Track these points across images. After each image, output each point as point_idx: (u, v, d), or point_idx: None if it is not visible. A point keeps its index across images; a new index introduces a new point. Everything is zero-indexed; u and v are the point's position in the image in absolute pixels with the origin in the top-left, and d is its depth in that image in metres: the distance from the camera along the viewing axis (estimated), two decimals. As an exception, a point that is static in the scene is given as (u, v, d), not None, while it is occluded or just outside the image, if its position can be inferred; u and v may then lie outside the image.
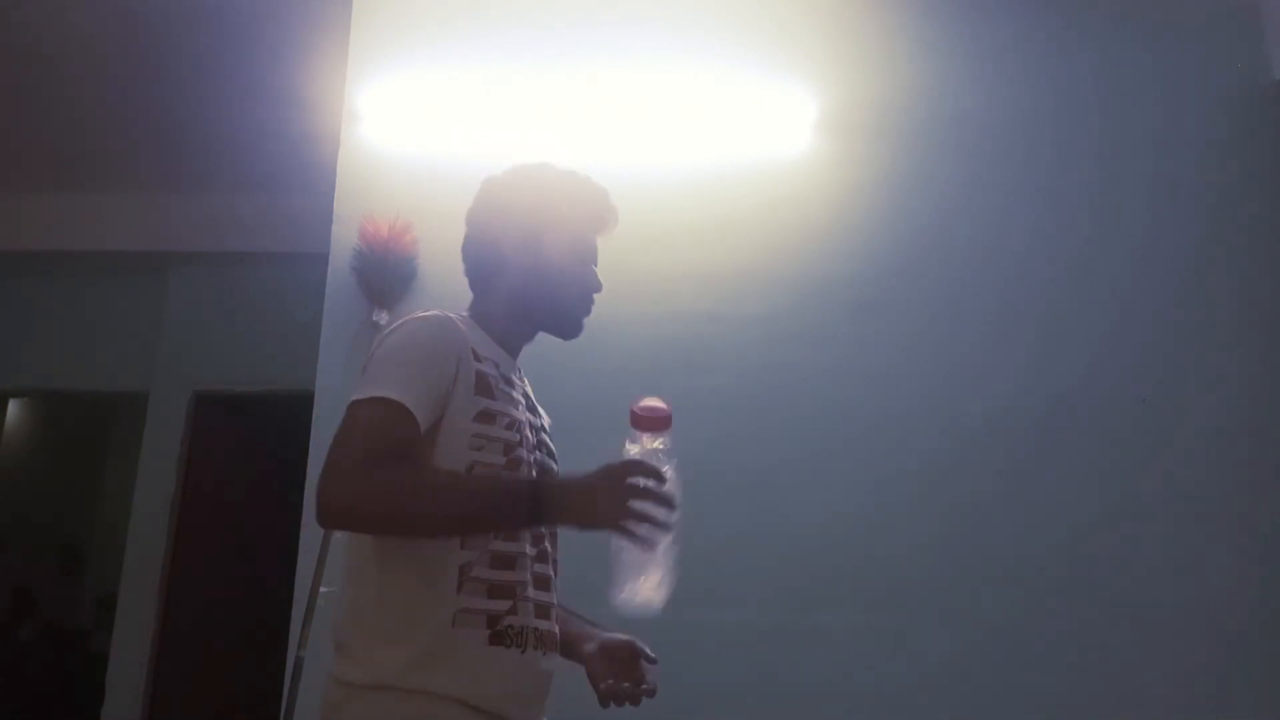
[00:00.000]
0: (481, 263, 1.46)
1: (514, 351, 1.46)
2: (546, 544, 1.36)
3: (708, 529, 2.38)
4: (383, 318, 2.47)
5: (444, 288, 2.31)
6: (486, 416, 1.29)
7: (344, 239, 2.58)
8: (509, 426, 1.32)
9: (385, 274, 2.51)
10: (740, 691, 2.28)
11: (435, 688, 1.18)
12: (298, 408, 2.59)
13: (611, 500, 1.18)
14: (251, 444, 4.31)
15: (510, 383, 1.38)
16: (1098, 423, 2.41)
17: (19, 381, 4.77)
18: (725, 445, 2.43)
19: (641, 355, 2.48)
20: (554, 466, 1.46)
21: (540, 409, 1.51)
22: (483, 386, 1.30)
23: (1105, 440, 2.40)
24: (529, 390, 1.48)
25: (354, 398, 1.22)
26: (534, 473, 1.35)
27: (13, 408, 6.03)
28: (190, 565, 3.99)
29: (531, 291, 1.44)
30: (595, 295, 1.51)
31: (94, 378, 4.50)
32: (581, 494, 1.20)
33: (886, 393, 2.46)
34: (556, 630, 1.36)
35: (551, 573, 1.37)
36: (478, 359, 1.32)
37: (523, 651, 1.26)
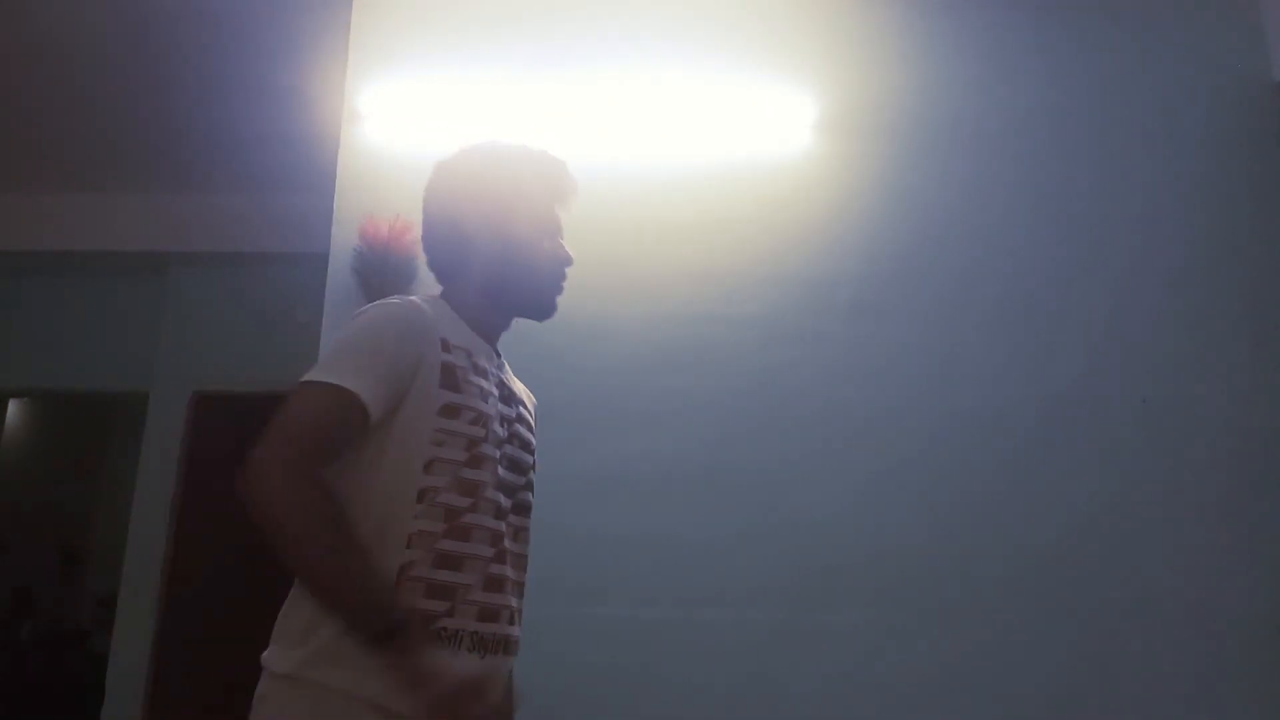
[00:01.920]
0: (446, 251, 1.42)
1: (491, 337, 1.42)
2: (507, 542, 1.31)
3: (707, 529, 2.38)
4: (383, 318, 2.47)
5: (444, 288, 2.31)
6: (450, 411, 1.25)
7: (344, 239, 2.58)
8: (474, 421, 1.27)
9: (385, 274, 2.51)
10: (740, 691, 2.28)
11: (342, 684, 1.14)
12: (298, 408, 2.59)
13: (440, 707, 1.10)
14: (251, 444, 4.30)
15: (482, 372, 1.33)
16: (1097, 422, 2.41)
17: (19, 381, 4.77)
18: (724, 445, 2.43)
19: (641, 355, 2.48)
20: (527, 459, 1.42)
21: (521, 394, 1.47)
22: (448, 379, 1.26)
23: (1105, 440, 2.40)
24: (507, 378, 1.43)
25: (307, 377, 1.19)
26: (499, 470, 1.30)
27: (13, 408, 6.03)
28: (190, 565, 3.99)
29: (503, 275, 1.39)
30: (568, 270, 1.45)
31: (94, 378, 4.50)
32: (420, 677, 1.11)
33: (885, 393, 2.46)
34: (511, 632, 1.31)
35: (510, 574, 1.32)
36: (447, 349, 1.28)
37: (454, 654, 1.20)
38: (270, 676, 1.20)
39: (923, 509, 2.38)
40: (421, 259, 2.50)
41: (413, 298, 1.33)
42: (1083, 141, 2.63)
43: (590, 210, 2.58)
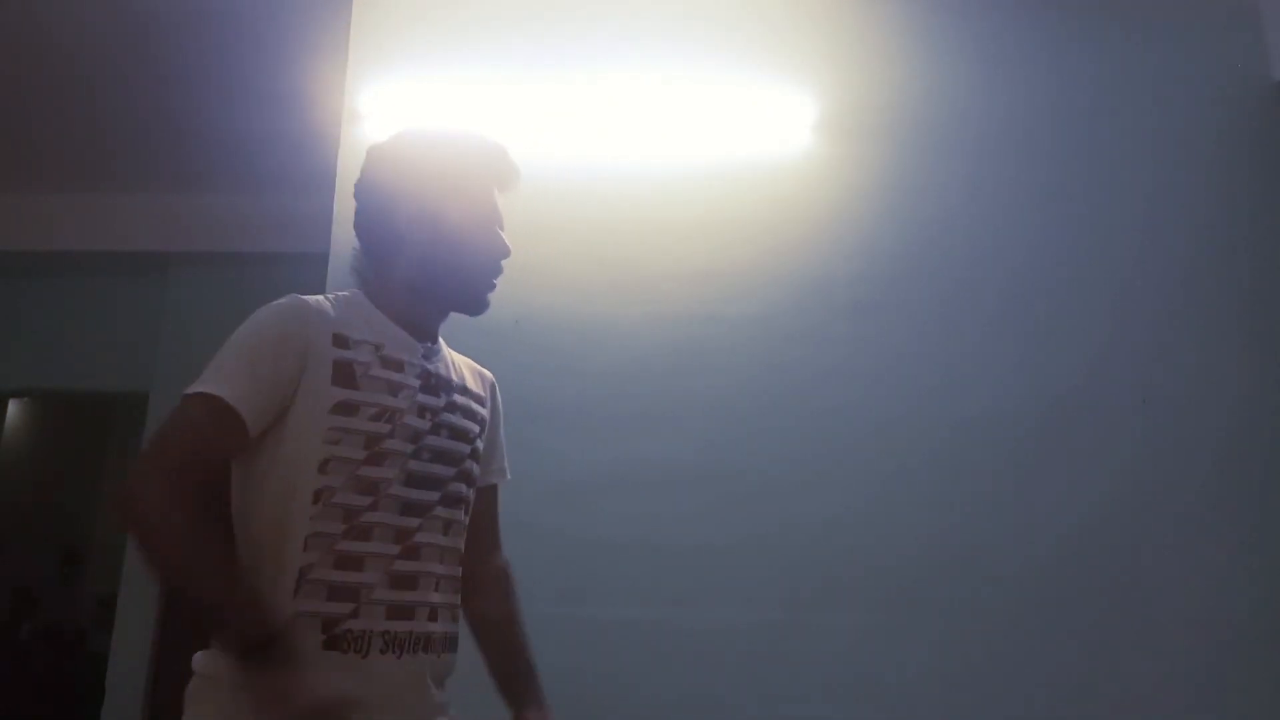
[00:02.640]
0: (377, 239, 1.37)
1: (421, 330, 1.35)
2: (421, 537, 1.26)
3: (706, 529, 2.38)
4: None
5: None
6: (346, 408, 1.21)
7: (344, 239, 2.56)
8: (375, 417, 1.22)
9: (385, 274, 2.50)
10: (739, 691, 2.28)
11: None
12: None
13: (271, 706, 1.05)
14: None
15: (394, 365, 1.28)
16: (1098, 423, 2.41)
17: (19, 381, 4.77)
18: (724, 445, 2.43)
19: (640, 356, 2.48)
20: (461, 448, 1.35)
21: (467, 380, 1.41)
22: (342, 376, 1.22)
23: (1106, 440, 2.40)
24: (437, 367, 1.35)
25: (186, 390, 1.18)
26: (409, 464, 1.25)
27: (13, 408, 6.03)
28: (190, 565, 3.99)
29: (433, 266, 1.33)
30: (505, 262, 1.39)
31: (94, 378, 4.51)
32: (273, 696, 1.05)
33: (886, 393, 2.46)
34: (433, 629, 1.26)
35: (427, 568, 1.26)
36: (343, 344, 1.24)
37: (364, 656, 1.17)
38: (196, 676, 1.20)
39: (923, 509, 2.38)
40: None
41: (304, 296, 1.29)
42: (1083, 141, 2.63)
43: (590, 211, 2.61)
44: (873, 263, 2.55)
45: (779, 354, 2.49)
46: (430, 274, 1.34)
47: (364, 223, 1.39)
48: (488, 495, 1.50)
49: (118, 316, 4.50)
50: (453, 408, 1.35)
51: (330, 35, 2.95)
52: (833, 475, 2.40)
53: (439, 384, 1.34)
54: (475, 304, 1.39)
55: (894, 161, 2.62)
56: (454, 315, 1.43)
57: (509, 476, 1.55)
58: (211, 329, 4.53)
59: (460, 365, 1.45)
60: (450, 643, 1.32)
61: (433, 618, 1.27)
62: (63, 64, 3.39)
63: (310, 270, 2.89)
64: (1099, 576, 2.31)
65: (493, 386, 1.51)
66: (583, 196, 2.60)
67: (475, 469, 1.40)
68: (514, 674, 1.46)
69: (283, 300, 1.27)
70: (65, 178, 4.18)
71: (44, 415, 6.47)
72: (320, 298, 1.30)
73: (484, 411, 1.45)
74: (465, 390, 1.40)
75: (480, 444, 1.42)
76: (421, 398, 1.30)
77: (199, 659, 1.20)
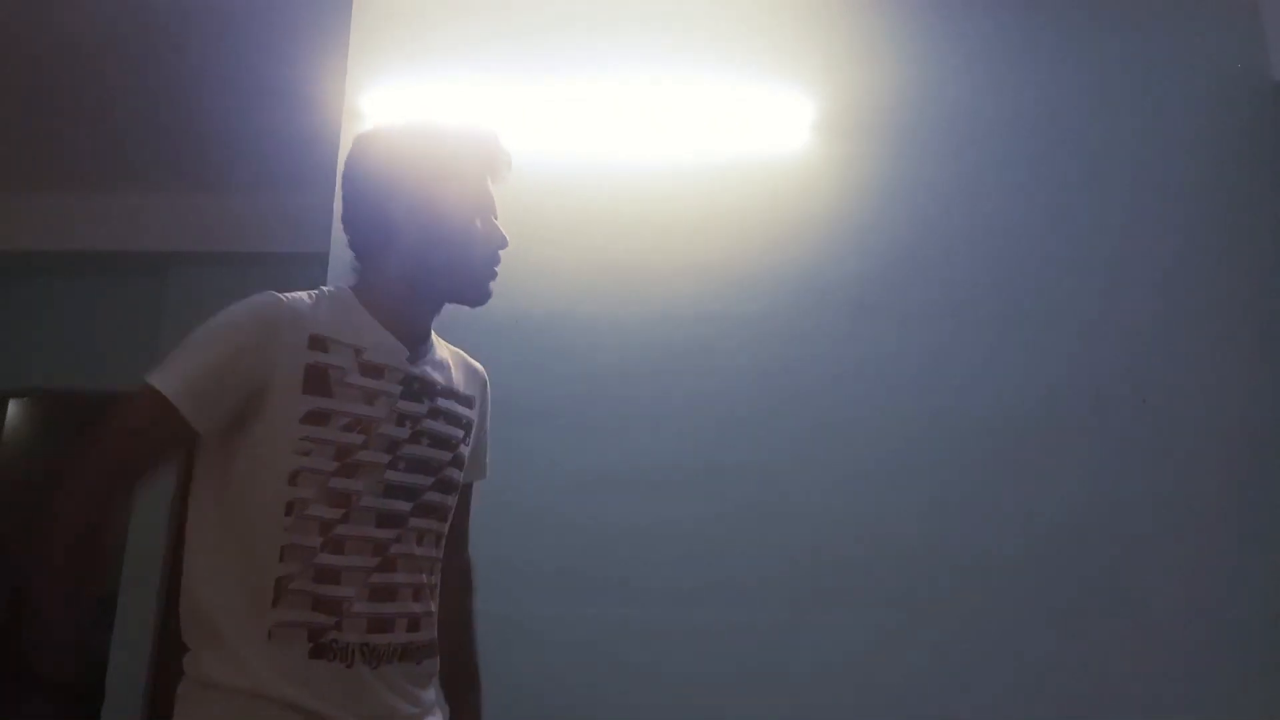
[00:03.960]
0: (367, 233, 1.32)
1: (409, 332, 1.30)
2: (397, 548, 1.22)
3: (705, 528, 2.38)
4: (383, 317, 2.47)
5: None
6: (317, 417, 1.17)
7: (344, 239, 2.56)
8: (349, 427, 1.18)
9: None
10: (738, 691, 2.28)
11: (262, 689, 1.12)
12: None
13: None
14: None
15: (374, 370, 1.23)
16: (1098, 422, 2.41)
17: (19, 381, 4.77)
18: (723, 445, 2.43)
19: (641, 355, 2.48)
20: (442, 456, 1.31)
21: (455, 382, 1.36)
22: (315, 383, 1.17)
23: (1106, 440, 2.40)
24: (423, 370, 1.30)
25: (146, 376, 1.15)
26: (386, 475, 1.21)
27: (13, 408, 6.02)
28: (190, 565, 3.99)
29: (430, 260, 1.29)
30: (506, 260, 1.35)
31: (94, 378, 4.50)
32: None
33: (885, 392, 2.46)
34: (414, 639, 1.24)
35: (408, 579, 1.24)
36: (320, 347, 1.19)
37: (349, 666, 1.16)
38: (186, 678, 1.18)
39: (922, 507, 2.38)
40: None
41: (291, 294, 1.24)
42: (1082, 141, 2.63)
43: (589, 210, 2.61)
44: (872, 262, 2.55)
45: (778, 353, 2.49)
46: (429, 265, 1.30)
47: (354, 216, 1.34)
48: (464, 493, 1.46)
49: (118, 316, 4.49)
50: (435, 414, 1.31)
51: (330, 35, 2.95)
52: (833, 475, 2.41)
53: (422, 389, 1.29)
54: (477, 294, 1.34)
55: (893, 161, 2.62)
56: (453, 313, 1.40)
57: (487, 474, 1.52)
58: (211, 329, 4.48)
59: (452, 363, 1.40)
60: (431, 649, 1.30)
61: (413, 627, 1.25)
62: (62, 65, 3.39)
63: (310, 270, 2.89)
64: (1100, 576, 2.31)
65: (484, 384, 1.48)
66: (582, 196, 2.60)
67: (457, 475, 1.36)
68: (454, 675, 1.43)
69: (257, 297, 1.22)
70: (65, 178, 4.18)
71: (44, 415, 6.46)
72: (301, 295, 1.26)
73: (471, 414, 1.40)
74: (451, 393, 1.36)
75: (465, 449, 1.38)
76: (402, 404, 1.25)
77: (189, 660, 1.18)
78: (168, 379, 1.14)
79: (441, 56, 2.71)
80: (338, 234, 2.59)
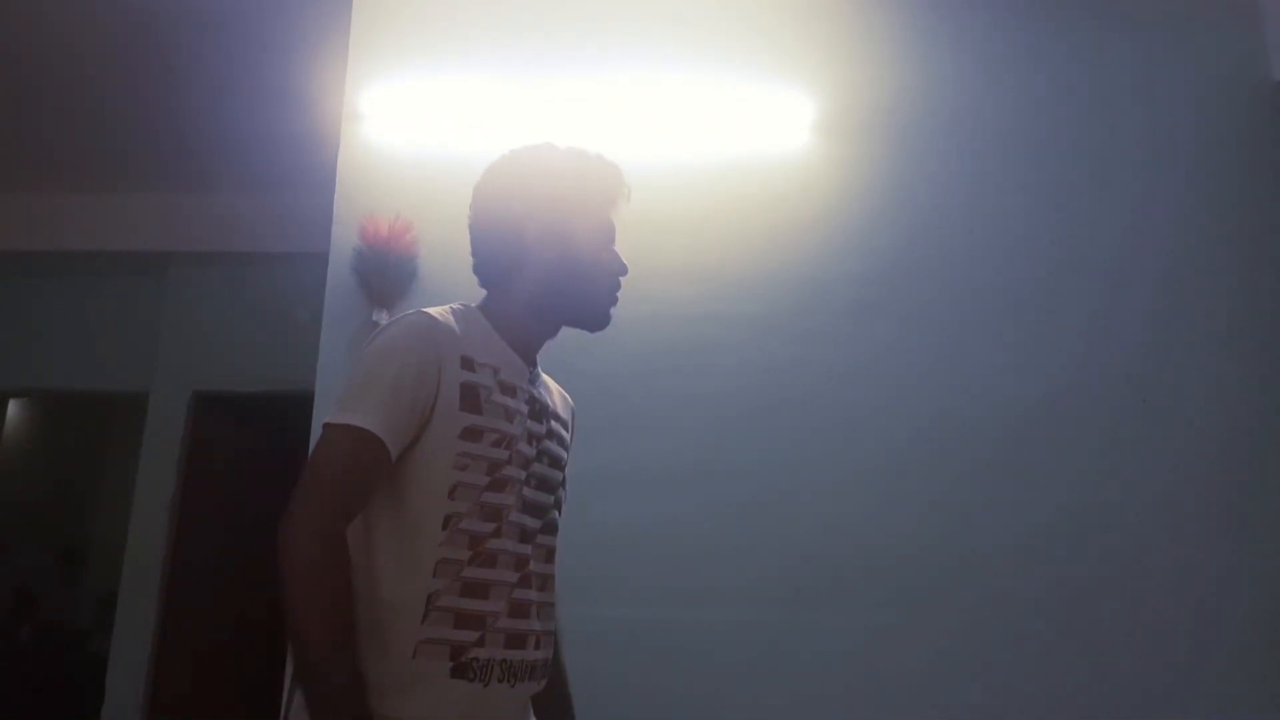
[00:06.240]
0: (498, 257, 1.34)
1: (529, 349, 1.36)
2: (532, 565, 1.26)
3: (705, 528, 2.38)
4: (383, 317, 2.47)
5: (444, 287, 2.31)
6: (472, 434, 1.21)
7: (344, 239, 2.58)
8: (497, 443, 1.23)
9: (385, 274, 2.51)
10: (739, 691, 2.28)
11: (398, 714, 1.13)
12: (298, 408, 2.60)
13: None
14: (251, 444, 4.31)
15: (509, 389, 1.28)
16: (1098, 422, 2.41)
17: (19, 381, 4.77)
18: (724, 445, 2.43)
19: (641, 355, 2.48)
20: (556, 476, 1.37)
21: (558, 406, 1.42)
22: (469, 401, 1.21)
23: (1106, 439, 2.40)
24: (539, 392, 1.36)
25: (328, 420, 1.16)
26: (523, 491, 1.26)
27: (13, 408, 6.03)
28: (190, 565, 4.00)
29: (559, 285, 1.33)
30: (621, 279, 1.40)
31: (94, 378, 4.51)
32: None
33: (885, 392, 2.46)
34: (537, 657, 1.27)
35: (535, 596, 1.27)
36: (470, 367, 1.23)
37: (485, 685, 1.18)
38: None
39: (922, 507, 2.38)
40: (421, 258, 2.53)
41: (438, 312, 1.27)
42: (1082, 141, 2.63)
43: (590, 210, 2.60)
44: (871, 262, 2.55)
45: (779, 353, 2.49)
46: (558, 289, 1.34)
47: (487, 240, 1.36)
48: None
49: (118, 316, 4.49)
50: (551, 435, 1.36)
51: (330, 35, 2.95)
52: (832, 474, 2.41)
53: (542, 410, 1.35)
54: (599, 319, 1.39)
55: (892, 161, 2.62)
56: None
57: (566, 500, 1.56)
58: (211, 329, 4.54)
59: (554, 390, 1.45)
60: (547, 668, 1.32)
61: (537, 645, 1.27)
62: (62, 65, 3.39)
63: (310, 270, 2.89)
64: (1100, 576, 2.31)
65: (573, 412, 1.51)
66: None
67: (564, 496, 1.41)
68: (552, 702, 1.43)
69: (413, 317, 1.24)
70: (65, 178, 4.18)
71: (44, 415, 6.47)
72: (446, 313, 1.27)
73: (569, 438, 1.45)
74: (558, 417, 1.41)
75: (566, 473, 1.43)
76: (530, 424, 1.30)
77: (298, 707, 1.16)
78: (368, 416, 1.15)
79: (441, 56, 2.71)
80: (338, 234, 2.61)
